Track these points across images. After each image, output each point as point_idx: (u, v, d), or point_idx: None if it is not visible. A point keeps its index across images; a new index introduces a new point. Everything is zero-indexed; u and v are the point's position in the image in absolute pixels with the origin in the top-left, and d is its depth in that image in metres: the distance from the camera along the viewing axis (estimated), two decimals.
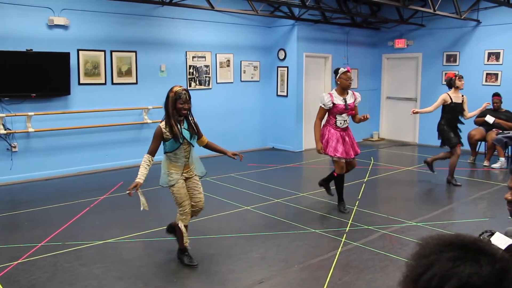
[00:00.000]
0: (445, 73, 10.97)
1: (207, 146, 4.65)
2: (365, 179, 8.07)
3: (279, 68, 10.93)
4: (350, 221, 5.80)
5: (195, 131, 4.40)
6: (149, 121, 9.01)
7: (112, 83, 8.60)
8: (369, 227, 5.58)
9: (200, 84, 9.92)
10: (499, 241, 2.06)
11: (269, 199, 6.83)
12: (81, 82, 8.19)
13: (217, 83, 10.22)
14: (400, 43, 11.85)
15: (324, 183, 6.50)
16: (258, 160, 10.01)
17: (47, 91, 7.76)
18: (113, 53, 8.53)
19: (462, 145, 7.51)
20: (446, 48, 11.18)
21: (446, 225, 5.67)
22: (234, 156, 4.62)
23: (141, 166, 4.14)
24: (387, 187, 7.85)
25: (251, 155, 10.56)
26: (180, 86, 4.28)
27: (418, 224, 5.70)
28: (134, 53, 8.82)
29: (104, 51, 8.41)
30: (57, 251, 4.81)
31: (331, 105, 5.91)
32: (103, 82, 8.47)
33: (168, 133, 4.20)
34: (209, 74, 10.03)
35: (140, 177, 4.08)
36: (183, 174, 4.36)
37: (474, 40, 10.68)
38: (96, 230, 5.47)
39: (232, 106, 10.52)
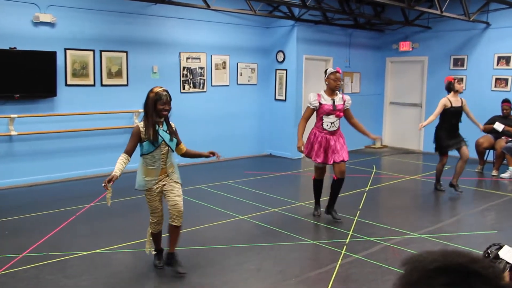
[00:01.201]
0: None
1: (186, 154, 4.71)
2: (367, 188, 8.09)
3: (278, 71, 10.97)
4: (350, 232, 5.80)
5: (175, 135, 4.47)
6: (137, 122, 8.98)
7: (102, 85, 8.60)
8: (371, 239, 5.59)
9: (194, 87, 9.94)
10: (508, 255, 2.06)
11: (265, 208, 6.83)
12: (68, 83, 8.18)
13: (212, 86, 10.24)
14: (405, 46, 11.91)
15: (329, 209, 6.35)
16: (254, 167, 10.01)
17: (31, 92, 7.75)
18: (102, 53, 8.54)
19: (467, 145, 7.60)
20: (453, 51, 11.25)
21: (452, 238, 5.68)
22: (210, 155, 4.71)
23: (117, 163, 4.17)
24: (390, 196, 7.87)
25: (247, 161, 10.56)
26: (161, 87, 4.36)
27: (422, 236, 5.71)
28: (125, 53, 8.83)
29: (93, 50, 8.42)
30: (40, 262, 4.78)
31: (317, 104, 5.99)
32: (92, 83, 8.47)
33: (145, 134, 4.27)
34: (203, 76, 10.05)
35: (117, 171, 4.10)
36: (159, 182, 4.39)
37: (483, 43, 10.75)
38: (83, 240, 5.45)
39: (227, 110, 10.53)
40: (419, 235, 5.73)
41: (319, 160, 6.04)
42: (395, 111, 12.74)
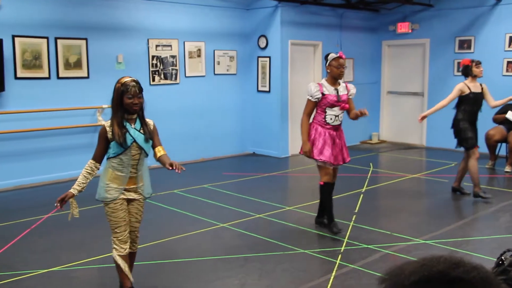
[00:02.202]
0: (458, 62, 11.10)
1: (159, 160, 4.27)
2: (363, 189, 8.12)
3: (260, 59, 10.96)
4: (345, 240, 5.82)
5: (150, 135, 4.23)
6: (103, 122, 8.88)
7: (58, 77, 8.51)
8: (369, 246, 5.60)
9: (166, 78, 9.89)
10: None
11: (249, 214, 6.82)
12: (18, 76, 8.08)
13: (186, 76, 10.20)
14: (403, 28, 11.98)
15: (320, 219, 6.31)
16: (236, 168, 10.00)
17: None
18: (58, 40, 8.44)
19: (478, 147, 7.56)
20: (458, 32, 11.35)
21: (461, 243, 5.73)
22: (169, 167, 4.06)
23: (81, 174, 4.06)
24: (390, 198, 7.91)
25: (228, 162, 10.54)
26: (130, 77, 4.17)
27: (427, 242, 5.75)
28: (84, 41, 8.74)
29: (47, 38, 8.32)
30: None
31: (320, 96, 5.85)
32: (47, 76, 8.37)
33: (111, 134, 4.06)
34: (176, 66, 10.00)
35: (75, 187, 4.00)
36: (125, 192, 4.16)
37: (492, 23, 10.85)
38: (39, 256, 5.39)
39: (204, 104, 10.50)
40: (424, 241, 5.76)
41: (324, 158, 5.84)
42: (393, 102, 12.82)
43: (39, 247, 5.66)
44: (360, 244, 5.67)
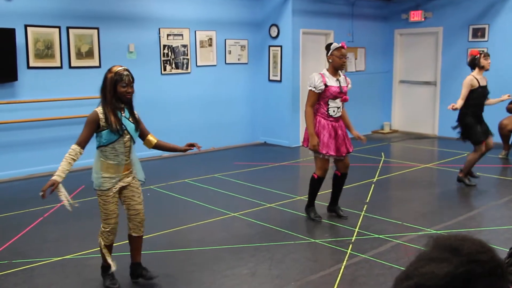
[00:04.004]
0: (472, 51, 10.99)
1: (157, 146, 4.50)
2: (375, 179, 8.09)
3: (271, 48, 10.92)
4: (356, 229, 5.80)
5: (140, 124, 4.31)
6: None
7: (70, 67, 8.53)
8: (380, 236, 5.59)
9: (177, 68, 9.88)
10: None
11: (260, 203, 6.82)
12: (30, 65, 8.10)
13: (197, 66, 10.18)
14: (416, 16, 11.88)
15: (332, 206, 6.32)
16: (247, 157, 9.99)
17: None
18: (70, 30, 8.45)
19: (493, 135, 7.50)
20: (472, 20, 11.21)
21: (473, 234, 5.66)
22: (189, 148, 4.52)
23: (64, 159, 3.92)
24: (401, 188, 7.87)
25: (239, 151, 10.54)
26: (121, 66, 4.15)
27: (438, 232, 5.71)
28: (96, 30, 8.74)
29: (59, 27, 8.33)
30: (3, 271, 4.75)
31: (323, 87, 5.76)
32: (59, 65, 8.40)
33: (104, 122, 4.04)
34: (187, 55, 9.99)
35: (59, 174, 3.86)
36: (120, 181, 4.19)
37: (507, 10, 10.71)
38: (52, 245, 5.43)
39: (215, 94, 10.49)
40: (435, 231, 5.73)
41: (331, 152, 5.78)
42: (405, 91, 12.73)
43: (51, 235, 5.70)
44: (371, 234, 5.66)
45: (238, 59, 10.85)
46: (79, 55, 8.61)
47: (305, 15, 10.78)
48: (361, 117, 12.01)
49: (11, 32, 7.71)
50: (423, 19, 11.84)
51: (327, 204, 6.38)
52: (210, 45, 10.34)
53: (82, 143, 4.06)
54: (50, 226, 6.00)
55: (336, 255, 5.10)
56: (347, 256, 5.03)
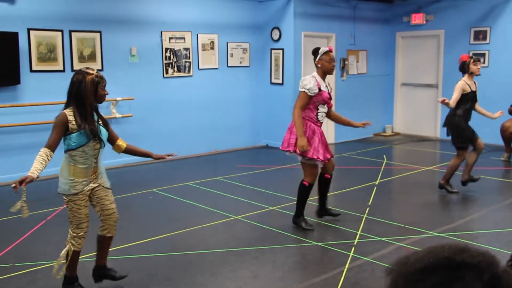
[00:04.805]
0: (473, 53, 10.97)
1: (128, 151, 4.40)
2: (377, 182, 8.09)
3: (273, 51, 10.92)
4: (359, 232, 5.80)
5: (107, 127, 4.23)
6: (118, 115, 8.97)
7: (72, 70, 8.52)
8: (382, 239, 5.59)
9: (179, 71, 9.89)
10: None
11: (262, 206, 6.82)
12: (33, 68, 8.12)
13: (199, 69, 10.19)
14: (417, 19, 11.88)
15: (321, 211, 6.24)
16: (249, 160, 9.99)
17: None
18: (72, 33, 8.47)
19: (478, 138, 7.23)
20: (474, 23, 11.21)
21: (475, 236, 5.69)
22: (164, 156, 4.41)
23: (35, 161, 3.84)
24: (403, 191, 7.86)
25: (241, 154, 10.54)
26: (93, 68, 4.14)
27: (441, 234, 5.71)
28: (98, 34, 8.76)
29: (62, 31, 8.35)
30: (5, 274, 4.75)
31: (317, 91, 5.62)
32: (61, 68, 8.41)
33: (74, 124, 3.95)
34: (189, 58, 10.00)
35: (33, 171, 3.77)
36: (91, 183, 4.12)
37: (509, 13, 10.70)
38: (55, 248, 5.39)
39: (217, 97, 10.49)
40: (438, 234, 5.73)
41: (321, 158, 5.66)
42: (407, 94, 12.73)
43: (54, 238, 5.69)
44: (374, 236, 5.65)
45: (240, 62, 10.86)
46: (82, 59, 8.63)
47: (307, 18, 10.79)
48: (363, 120, 11.97)
49: (14, 36, 7.73)
50: (424, 22, 11.84)
51: (317, 210, 6.24)
52: (212, 48, 10.35)
53: (52, 146, 3.95)
54: (53, 229, 6.00)
55: (338, 258, 5.09)
56: (349, 259, 5.03)
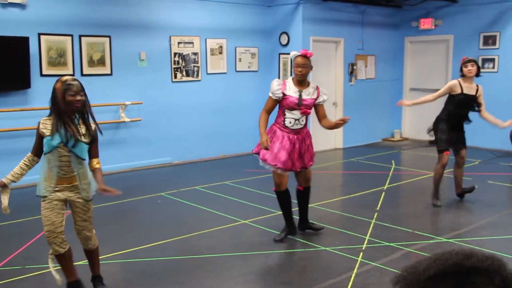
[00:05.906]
0: (483, 59, 10.98)
1: (93, 173, 4.23)
2: (385, 187, 8.07)
3: (282, 56, 10.94)
4: (367, 237, 5.79)
5: (91, 134, 4.12)
6: (126, 119, 9.01)
7: (82, 74, 8.60)
8: (391, 244, 5.57)
9: (188, 75, 9.93)
10: None
11: (270, 211, 6.82)
12: (43, 73, 8.18)
13: (207, 73, 10.22)
14: (426, 24, 11.86)
15: (302, 225, 5.96)
16: (257, 164, 9.93)
17: (1, 84, 7.75)
18: (82, 38, 8.53)
19: (465, 148, 7.06)
20: (483, 28, 11.18)
21: (485, 242, 5.66)
22: (110, 190, 4.12)
23: (18, 165, 4.09)
24: (412, 196, 7.84)
25: (249, 159, 10.53)
26: (70, 76, 4.17)
27: (450, 240, 5.69)
28: (107, 39, 8.82)
29: (72, 35, 8.41)
30: (15, 277, 4.79)
31: (280, 95, 5.39)
32: (71, 73, 8.46)
33: (43, 129, 4.03)
34: (198, 63, 10.03)
35: (8, 177, 4.04)
36: (59, 193, 4.11)
37: None
38: None
39: (225, 101, 10.52)
40: (446, 240, 5.71)
41: (279, 165, 5.38)
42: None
43: None
44: (382, 242, 5.64)
45: (248, 67, 10.89)
46: (91, 63, 8.68)
47: (316, 23, 10.80)
48: (371, 125, 12.00)
49: (25, 40, 7.80)
50: (433, 27, 11.82)
51: (298, 223, 5.99)
52: (221, 52, 10.39)
53: (33, 151, 4.15)
54: None
55: (346, 263, 5.08)
56: (357, 264, 5.02)
